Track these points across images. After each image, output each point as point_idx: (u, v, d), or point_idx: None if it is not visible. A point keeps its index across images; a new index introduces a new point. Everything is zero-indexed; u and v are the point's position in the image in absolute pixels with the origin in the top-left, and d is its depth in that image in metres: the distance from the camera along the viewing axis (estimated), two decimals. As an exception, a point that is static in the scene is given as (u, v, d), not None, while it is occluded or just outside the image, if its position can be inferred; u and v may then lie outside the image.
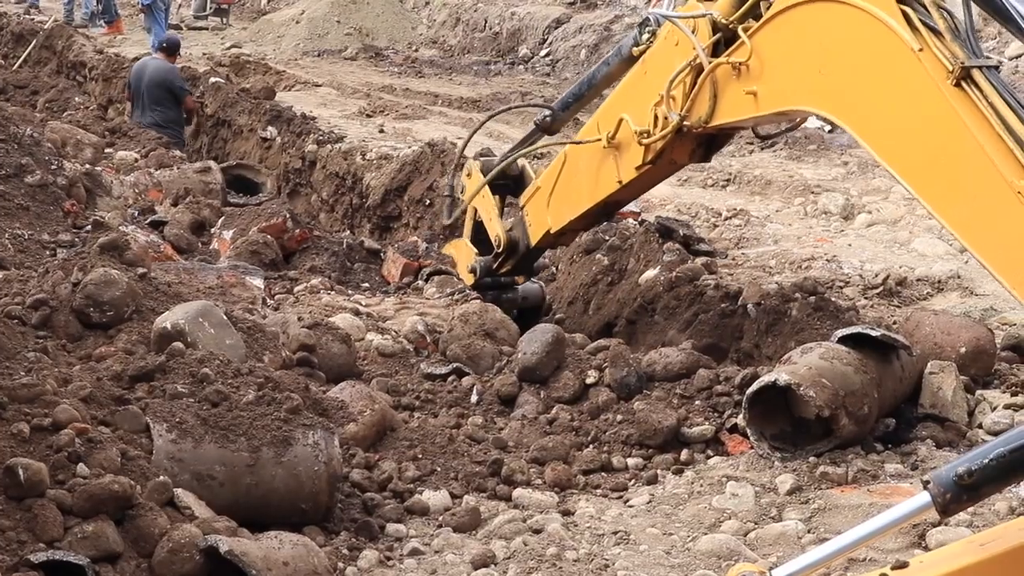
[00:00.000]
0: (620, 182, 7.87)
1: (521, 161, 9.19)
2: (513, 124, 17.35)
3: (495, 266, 9.25)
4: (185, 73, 17.61)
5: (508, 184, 9.30)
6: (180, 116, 16.30)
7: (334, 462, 5.80)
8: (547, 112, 8.76)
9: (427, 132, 15.73)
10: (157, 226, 11.35)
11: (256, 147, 16.28)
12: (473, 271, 9.40)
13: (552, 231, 8.67)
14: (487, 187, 9.21)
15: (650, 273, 9.30)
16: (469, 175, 9.52)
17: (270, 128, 16.14)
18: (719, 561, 5.70)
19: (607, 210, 8.57)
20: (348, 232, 13.44)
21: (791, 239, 11.02)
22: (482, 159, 9.81)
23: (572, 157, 8.36)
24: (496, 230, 9.12)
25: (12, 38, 21.98)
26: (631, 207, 11.03)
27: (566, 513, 6.24)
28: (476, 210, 9.50)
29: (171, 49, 16.71)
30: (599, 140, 7.86)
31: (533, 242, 8.90)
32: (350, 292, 10.37)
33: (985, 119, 4.67)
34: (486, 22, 25.24)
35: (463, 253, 9.70)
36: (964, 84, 4.78)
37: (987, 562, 3.36)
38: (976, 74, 4.82)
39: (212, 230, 11.83)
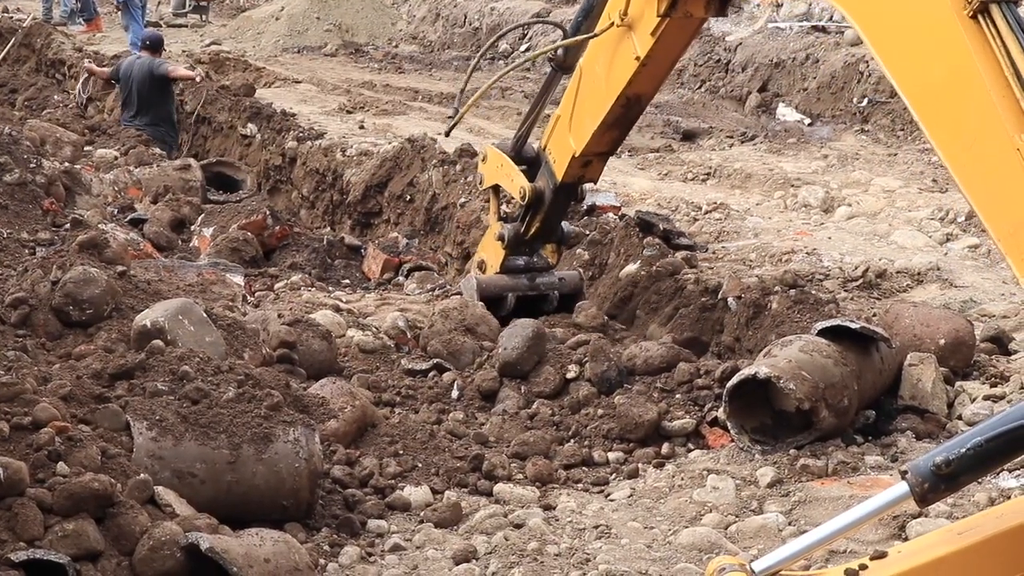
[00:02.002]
0: (638, 59, 7.63)
1: (536, 143, 8.99)
2: (493, 119, 17.37)
3: (523, 229, 8.95)
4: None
5: (524, 170, 9.03)
6: (172, 114, 16.24)
7: (315, 459, 5.80)
8: (557, 48, 8.57)
9: (407, 128, 15.71)
10: (137, 224, 11.31)
11: (236, 144, 16.23)
12: (501, 238, 9.03)
13: (577, 154, 8.36)
14: (504, 159, 9.04)
15: (630, 268, 9.31)
16: (484, 160, 9.33)
17: (250, 125, 16.10)
18: (700, 554, 5.71)
19: (629, 111, 8.14)
20: (328, 229, 13.43)
21: (771, 232, 11.05)
22: (495, 142, 9.72)
23: (588, 65, 8.18)
24: (519, 183, 8.85)
25: (-10, 36, 21.87)
26: (611, 201, 11.05)
27: (547, 508, 6.25)
28: (498, 197, 9.29)
29: (155, 46, 16.65)
30: (612, 25, 7.69)
31: (560, 177, 8.59)
32: (331, 289, 10.36)
33: (996, 60, 4.50)
34: (466, 18, 25.22)
35: (490, 243, 9.36)
36: (980, 18, 4.58)
37: (965, 551, 3.37)
38: (994, 9, 4.59)
39: (192, 227, 11.81)
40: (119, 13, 24.94)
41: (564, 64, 8.59)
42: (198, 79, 16.55)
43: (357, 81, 20.52)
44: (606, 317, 8.86)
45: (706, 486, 6.32)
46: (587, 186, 9.28)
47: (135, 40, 21.94)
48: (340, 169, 14.08)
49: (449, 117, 9.49)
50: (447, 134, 9.71)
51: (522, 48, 23.15)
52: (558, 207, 8.90)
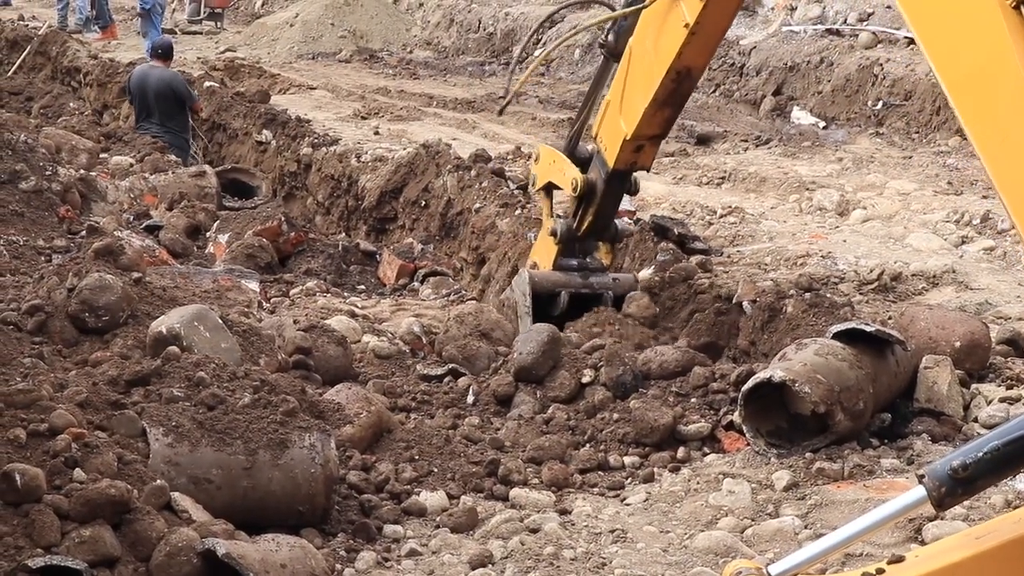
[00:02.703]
0: (687, 26, 7.53)
1: (591, 146, 8.83)
2: (508, 125, 17.37)
3: (576, 223, 8.82)
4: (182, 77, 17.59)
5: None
6: (187, 123, 16.27)
7: (331, 464, 5.80)
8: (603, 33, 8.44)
9: (422, 133, 15.73)
10: (152, 231, 11.34)
11: (251, 151, 16.27)
12: (554, 233, 8.89)
13: (628, 137, 8.21)
14: (557, 155, 8.94)
15: (644, 273, 9.30)
16: (536, 159, 9.22)
17: (265, 131, 16.13)
18: (716, 558, 5.70)
19: (680, 86, 7.98)
20: (344, 234, 13.45)
21: (786, 236, 11.04)
22: (546, 144, 9.64)
23: (637, 42, 8.08)
24: (571, 174, 8.73)
25: (6, 44, 21.94)
26: (626, 206, 11.04)
27: (563, 512, 6.25)
28: (550, 198, 9.17)
29: (166, 54, 16.69)
30: None
31: (612, 163, 8.43)
32: (346, 294, 10.38)
33: None
34: (480, 23, 25.24)
35: (543, 244, 9.20)
36: (1023, 9, 4.57)
37: (982, 556, 3.36)
38: None
39: (207, 234, 11.83)
40: (138, 20, 25.00)
41: (616, 50, 8.46)
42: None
43: (372, 87, 20.56)
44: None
45: (722, 490, 6.31)
46: (636, 176, 8.98)
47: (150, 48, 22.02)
48: (355, 175, 14.10)
49: (500, 97, 9.41)
50: (500, 113, 9.59)
51: (537, 53, 23.16)
52: (611, 198, 8.74)
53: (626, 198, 11.18)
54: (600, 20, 8.71)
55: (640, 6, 7.93)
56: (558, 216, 8.96)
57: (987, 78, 4.55)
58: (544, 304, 8.64)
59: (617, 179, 8.57)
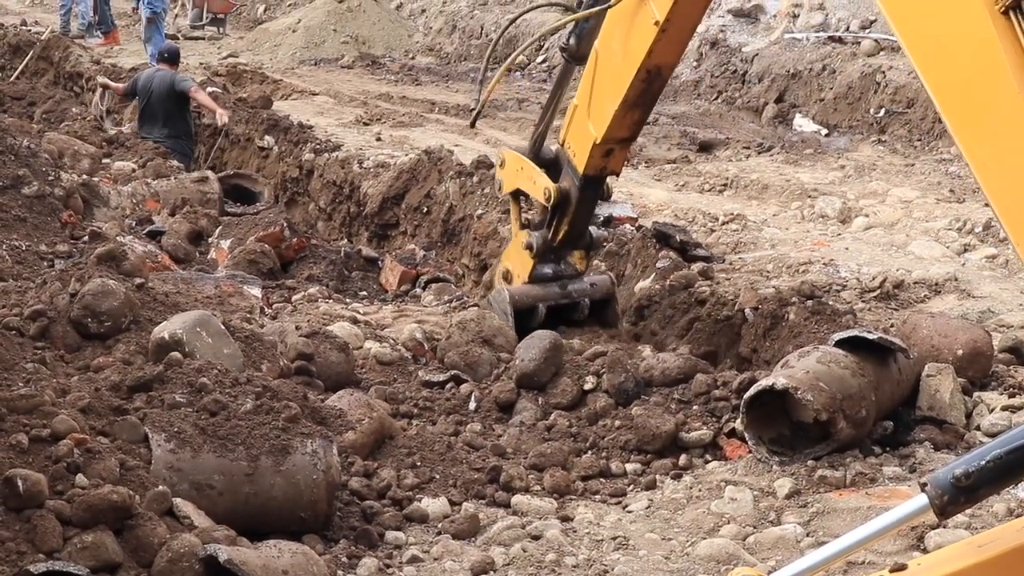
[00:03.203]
0: (657, 23, 7.45)
1: (554, 147, 8.80)
2: (509, 131, 17.37)
3: (551, 234, 8.70)
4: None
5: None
6: (191, 128, 16.27)
7: (333, 470, 5.81)
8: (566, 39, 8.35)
9: (424, 140, 15.73)
10: (155, 236, 11.35)
11: (253, 156, 16.28)
12: (530, 247, 8.78)
13: (598, 141, 8.10)
14: (524, 161, 8.83)
15: (644, 283, 9.30)
16: (502, 164, 9.10)
17: (267, 137, 16.14)
18: (718, 565, 5.70)
19: (651, 85, 7.87)
20: (346, 240, 13.46)
21: (788, 243, 11.04)
22: (512, 147, 9.56)
23: (603, 44, 7.99)
24: (543, 183, 8.61)
25: (9, 49, 21.96)
26: (628, 213, 11.05)
27: (565, 519, 6.25)
28: (519, 204, 9.07)
29: (172, 59, 16.69)
30: None
31: (582, 169, 8.31)
32: (348, 300, 10.38)
33: None
34: (482, 29, 25.25)
35: (516, 252, 9.08)
36: (1012, 14, 4.50)
37: (985, 564, 3.36)
38: None
39: (210, 240, 11.83)
40: (139, 26, 25.00)
41: (578, 53, 8.40)
42: (220, 119, 16.21)
43: (374, 93, 20.56)
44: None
45: (724, 497, 6.31)
46: (609, 182, 8.85)
47: (154, 53, 22.02)
48: (357, 181, 14.11)
49: (471, 110, 9.39)
50: (472, 125, 9.55)
51: (539, 59, 23.17)
52: (585, 206, 8.64)
53: (628, 206, 11.22)
54: (564, 21, 8.60)
55: (605, 6, 7.84)
56: (530, 230, 8.87)
57: (976, 84, 4.53)
58: (523, 317, 8.63)
59: (590, 186, 8.48)
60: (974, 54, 4.50)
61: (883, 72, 16.99)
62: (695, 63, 20.49)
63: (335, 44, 25.12)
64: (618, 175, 8.68)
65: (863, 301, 9.36)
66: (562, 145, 8.57)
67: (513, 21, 10.03)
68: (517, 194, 9.06)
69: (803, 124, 17.36)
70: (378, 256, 12.23)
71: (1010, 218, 4.28)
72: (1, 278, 8.30)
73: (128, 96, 17.02)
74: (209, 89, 17.65)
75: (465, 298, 10.75)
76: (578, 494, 6.60)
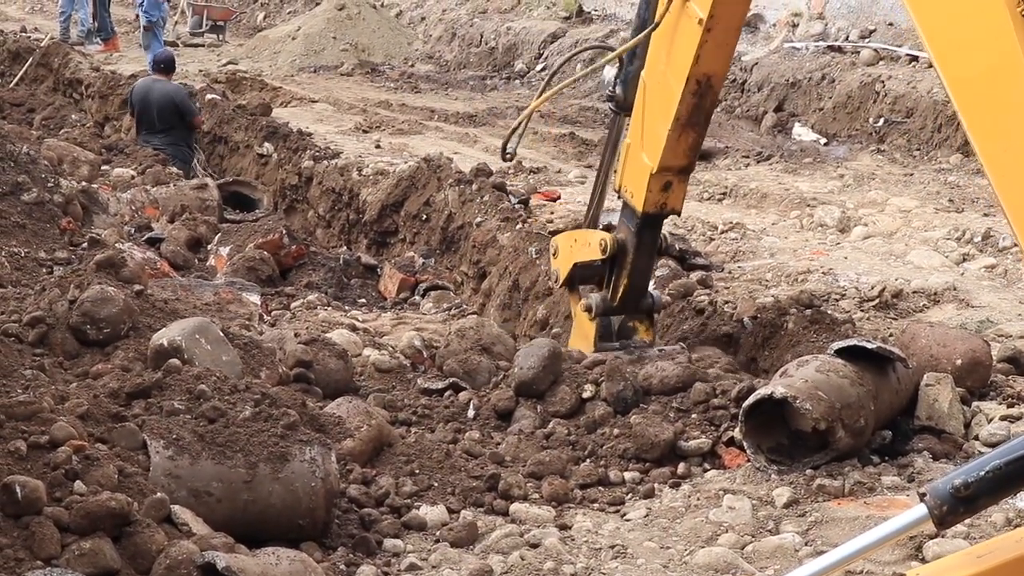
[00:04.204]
0: (701, 22, 7.23)
1: (609, 220, 8.46)
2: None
3: (610, 294, 8.31)
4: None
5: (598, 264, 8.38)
6: (190, 137, 16.29)
7: (331, 478, 5.80)
8: (609, 89, 8.11)
9: (423, 147, 15.75)
10: (154, 243, 11.35)
11: (253, 163, 16.28)
12: (588, 309, 8.38)
13: (654, 171, 7.78)
14: (575, 233, 8.59)
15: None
16: (556, 253, 8.74)
17: (266, 144, 16.14)
18: (716, 574, 5.70)
19: (702, 99, 7.59)
20: (345, 248, 13.46)
21: (787, 252, 11.05)
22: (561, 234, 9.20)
23: (650, 68, 7.78)
24: (598, 237, 8.29)
25: (8, 56, 21.97)
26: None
27: (563, 527, 6.24)
28: (577, 294, 8.67)
29: (168, 67, 16.72)
30: (670, 2, 7.34)
31: (640, 207, 7.96)
32: (347, 308, 10.39)
33: None
34: (482, 37, 25.28)
35: (578, 336, 8.63)
36: None
37: (984, 574, 3.36)
38: None
39: (209, 247, 11.84)
40: (138, 33, 25.03)
41: (625, 102, 8.16)
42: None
43: (373, 101, 20.58)
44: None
45: (722, 506, 6.31)
46: (666, 235, 8.50)
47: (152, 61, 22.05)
48: (356, 188, 14.11)
49: (505, 145, 8.91)
50: (503, 158, 9.22)
51: (539, 67, 23.19)
52: (644, 254, 8.24)
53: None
54: (610, 59, 8.38)
55: (648, 30, 7.68)
56: (590, 294, 8.46)
57: (994, 83, 4.51)
58: None
59: (648, 228, 8.14)
60: (993, 54, 4.48)
61: (882, 82, 17.01)
62: (694, 72, 20.47)
63: (335, 51, 25.15)
64: (679, 214, 8.32)
65: (862, 310, 9.37)
66: (618, 192, 8.27)
67: (567, 60, 9.77)
68: (575, 284, 8.73)
69: (802, 133, 17.39)
70: (377, 263, 12.24)
71: (1019, 218, 4.26)
72: (0, 285, 8.30)
73: (125, 104, 17.04)
74: (208, 96, 17.67)
75: (464, 306, 10.77)
76: (576, 502, 6.59)
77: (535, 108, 8.74)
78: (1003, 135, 4.38)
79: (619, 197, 8.25)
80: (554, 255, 8.80)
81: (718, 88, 7.71)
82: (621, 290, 8.28)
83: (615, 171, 8.35)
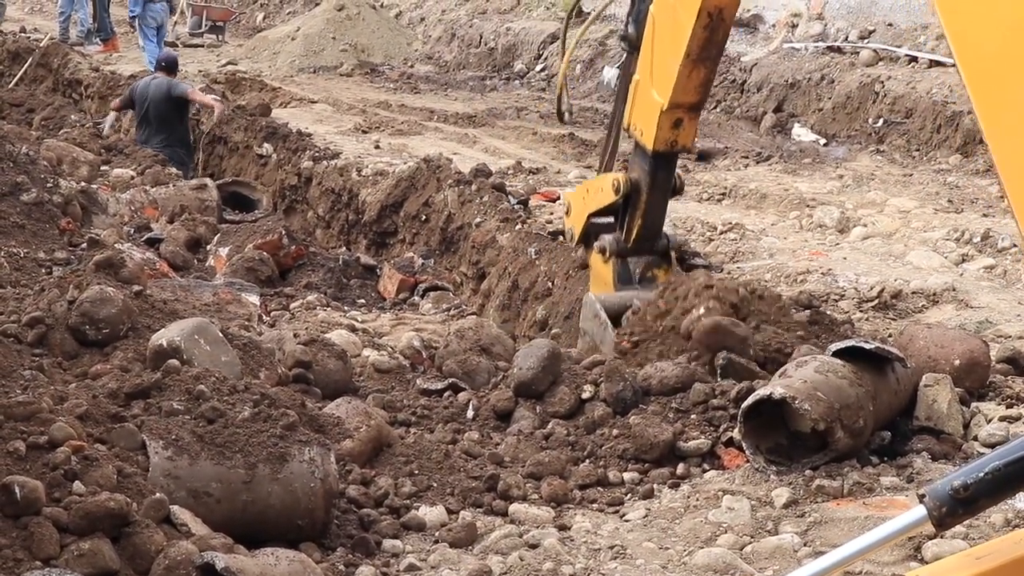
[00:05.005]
0: None
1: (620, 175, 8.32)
2: (508, 139, 17.38)
3: (623, 235, 8.23)
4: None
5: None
6: (188, 135, 16.29)
7: (330, 478, 5.80)
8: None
9: (423, 148, 15.75)
10: (153, 244, 11.35)
11: (252, 164, 16.29)
12: (602, 250, 8.33)
13: (664, 108, 7.69)
14: (587, 183, 8.43)
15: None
16: (568, 211, 8.70)
17: (266, 145, 16.15)
18: (715, 575, 5.70)
19: (713, 33, 7.49)
20: (344, 248, 13.46)
21: (786, 253, 11.05)
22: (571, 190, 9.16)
23: (659, 7, 7.71)
24: (610, 178, 8.16)
25: (8, 56, 21.99)
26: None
27: (562, 528, 6.24)
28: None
29: (171, 67, 16.74)
30: None
31: (651, 145, 7.86)
32: (346, 308, 10.39)
33: None
34: (481, 38, 25.28)
35: (596, 273, 8.56)
36: None
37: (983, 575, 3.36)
38: None
39: (208, 247, 11.84)
40: (137, 32, 25.06)
41: (637, 41, 8.06)
42: (217, 112, 16.46)
43: (373, 101, 20.59)
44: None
45: (721, 507, 6.31)
46: (680, 174, 8.29)
47: (151, 60, 22.07)
48: (355, 189, 14.12)
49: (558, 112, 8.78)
50: (561, 120, 9.07)
51: (538, 68, 23.20)
52: (658, 193, 8.16)
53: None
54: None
55: None
56: (602, 236, 8.39)
57: (1006, 63, 4.43)
58: (618, 321, 8.23)
59: (661, 166, 8.04)
60: (1005, 27, 4.40)
61: (882, 82, 17.02)
62: (694, 72, 20.49)
63: (334, 52, 25.16)
64: (690, 152, 8.26)
65: (861, 311, 9.37)
66: (627, 129, 8.17)
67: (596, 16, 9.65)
68: (589, 241, 8.65)
69: (801, 134, 17.39)
70: (376, 264, 12.24)
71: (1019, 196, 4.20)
72: (-1, 285, 8.31)
73: (125, 107, 17.04)
74: (208, 96, 17.67)
75: (463, 306, 10.77)
76: (575, 503, 6.59)
77: (568, 60, 8.71)
78: (1011, 110, 4.31)
79: (628, 135, 8.18)
80: (567, 213, 8.76)
81: (729, 21, 7.60)
82: (635, 231, 8.24)
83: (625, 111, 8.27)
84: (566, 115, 8.96)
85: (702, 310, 7.61)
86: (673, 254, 8.60)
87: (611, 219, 8.38)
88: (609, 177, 8.27)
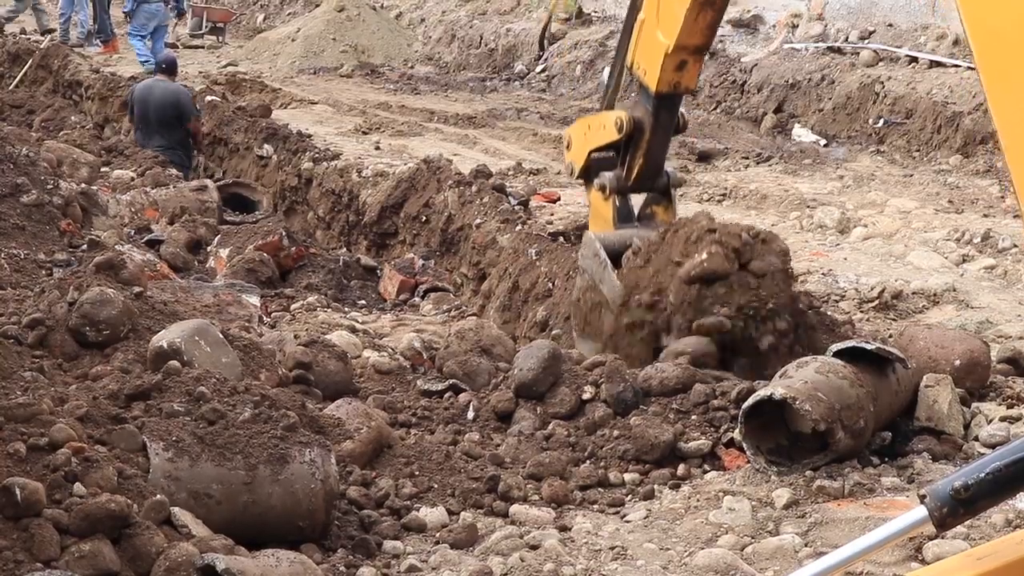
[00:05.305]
0: None
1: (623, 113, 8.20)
2: (508, 140, 17.39)
3: (624, 172, 8.15)
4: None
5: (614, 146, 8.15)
6: (187, 139, 16.31)
7: (331, 479, 5.80)
8: None
9: (423, 149, 15.75)
10: (153, 245, 11.36)
11: (252, 165, 16.29)
12: (602, 188, 8.22)
13: (669, 50, 7.61)
14: (588, 118, 8.35)
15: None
16: (568, 145, 8.59)
17: (266, 146, 16.15)
18: (716, 576, 5.70)
19: None
20: (344, 249, 13.46)
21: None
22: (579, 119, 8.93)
23: None
24: (613, 116, 8.07)
25: (8, 57, 21.99)
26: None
27: (563, 529, 6.24)
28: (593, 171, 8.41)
29: (171, 69, 16.75)
30: None
31: (654, 86, 7.79)
32: (346, 309, 10.38)
33: None
34: (481, 39, 25.28)
35: (597, 215, 8.41)
36: None
37: (983, 576, 3.36)
38: None
39: (208, 248, 11.84)
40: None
41: None
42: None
43: (373, 102, 20.60)
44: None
45: (722, 507, 6.31)
46: (684, 112, 8.18)
47: (141, 59, 22.13)
48: (356, 190, 14.12)
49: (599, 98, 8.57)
50: (606, 107, 8.92)
51: (538, 69, 23.20)
52: (661, 132, 8.10)
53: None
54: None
55: None
56: (603, 173, 8.27)
57: (1017, 39, 4.35)
58: (618, 260, 8.12)
59: (664, 106, 7.97)
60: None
61: (882, 83, 17.02)
62: (694, 73, 20.49)
63: (334, 53, 25.17)
64: (693, 93, 8.15)
65: (861, 311, 9.38)
66: (631, 68, 8.09)
67: None
68: (589, 176, 8.51)
69: (802, 134, 17.40)
70: (377, 265, 12.24)
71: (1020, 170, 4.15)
72: (-1, 286, 8.31)
73: (124, 107, 17.07)
74: (208, 98, 17.68)
75: (464, 307, 10.77)
76: (576, 504, 6.59)
77: None
78: (1018, 97, 4.24)
79: (631, 75, 8.11)
80: (567, 147, 8.64)
81: None
82: (636, 169, 8.16)
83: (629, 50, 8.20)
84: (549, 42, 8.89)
85: (704, 255, 7.53)
86: (673, 191, 8.52)
87: (612, 154, 8.29)
88: (612, 115, 8.19)
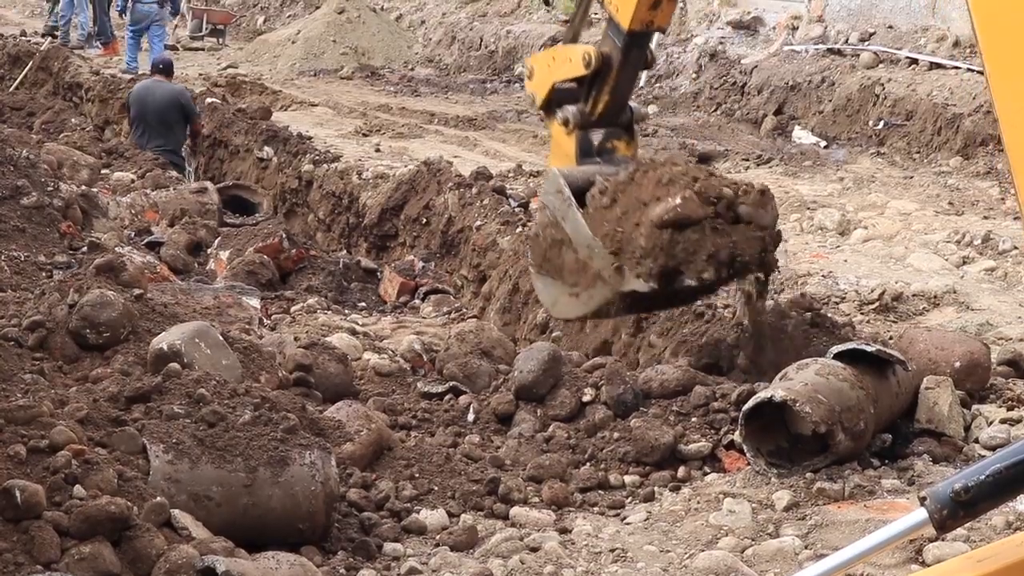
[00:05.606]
0: None
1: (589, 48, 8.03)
2: (508, 143, 17.38)
3: (589, 107, 7.97)
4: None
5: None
6: (184, 140, 16.31)
7: (331, 482, 5.80)
8: None
9: (423, 151, 15.75)
10: (153, 247, 11.36)
11: (252, 167, 16.29)
12: (565, 122, 8.04)
13: None
14: (553, 50, 8.19)
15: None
16: (531, 74, 8.38)
17: (266, 148, 16.15)
18: (716, 578, 5.70)
19: None
20: (345, 252, 13.46)
21: (787, 255, 11.04)
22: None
23: None
24: (581, 50, 7.88)
25: (8, 60, 22.00)
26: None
27: (563, 531, 6.24)
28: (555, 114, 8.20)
29: (167, 70, 16.75)
30: None
31: (627, 24, 7.59)
32: (347, 311, 10.39)
33: None
34: (481, 41, 25.28)
35: (558, 150, 8.20)
36: None
37: (984, 578, 3.35)
38: None
39: (208, 250, 11.84)
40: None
41: None
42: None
43: (373, 104, 20.60)
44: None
45: (722, 509, 6.30)
46: (653, 48, 8.04)
47: (130, 62, 22.13)
48: (356, 192, 14.12)
49: None
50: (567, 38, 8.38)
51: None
52: (629, 70, 7.94)
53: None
54: None
55: None
56: (565, 106, 8.09)
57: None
58: (581, 196, 7.86)
59: (635, 45, 7.80)
60: None
61: (882, 84, 17.02)
62: (694, 75, 20.52)
63: (334, 55, 25.16)
64: (665, 32, 7.86)
65: (862, 313, 9.37)
66: (601, 2, 7.92)
67: None
68: (552, 109, 8.29)
69: (802, 136, 17.39)
70: (377, 267, 12.24)
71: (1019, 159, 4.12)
72: (0, 289, 8.30)
73: (124, 109, 17.07)
74: (208, 100, 17.69)
75: (464, 309, 10.76)
76: (576, 506, 6.59)
77: None
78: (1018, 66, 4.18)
79: (603, 8, 7.97)
80: (529, 77, 8.48)
81: None
82: (602, 104, 8.01)
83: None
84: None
85: (678, 199, 7.34)
86: (636, 127, 8.35)
87: (576, 86, 8.11)
88: (579, 49, 8.01)
